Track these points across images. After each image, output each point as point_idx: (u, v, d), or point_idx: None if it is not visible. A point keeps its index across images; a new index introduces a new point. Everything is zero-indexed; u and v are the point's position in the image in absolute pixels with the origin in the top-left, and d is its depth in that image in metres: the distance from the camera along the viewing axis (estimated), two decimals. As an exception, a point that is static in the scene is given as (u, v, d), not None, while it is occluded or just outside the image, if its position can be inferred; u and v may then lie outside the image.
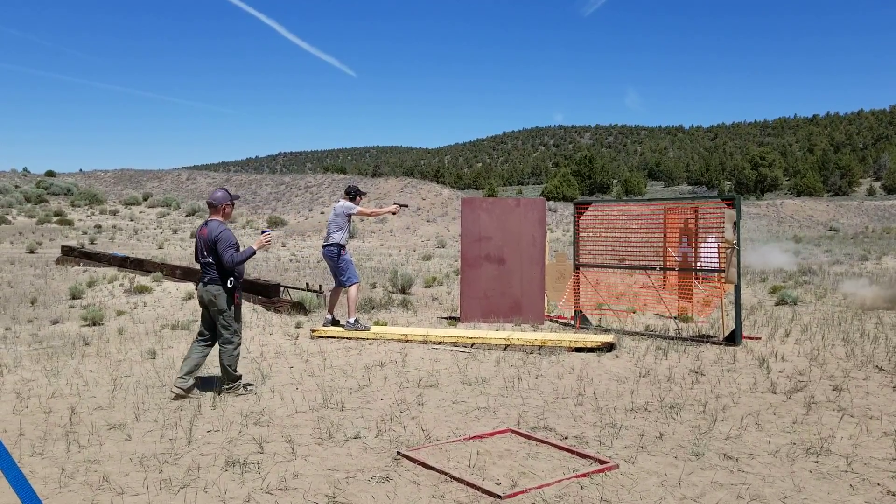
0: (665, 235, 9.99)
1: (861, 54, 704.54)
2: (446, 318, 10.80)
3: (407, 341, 8.57)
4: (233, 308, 6.14)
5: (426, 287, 16.35)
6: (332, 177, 64.73)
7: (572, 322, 10.28)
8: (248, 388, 6.31)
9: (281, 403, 5.84)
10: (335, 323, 9.00)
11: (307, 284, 13.35)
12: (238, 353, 6.22)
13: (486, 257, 10.43)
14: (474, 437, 4.93)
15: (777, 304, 12.58)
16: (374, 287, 15.81)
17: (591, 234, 10.51)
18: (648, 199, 11.26)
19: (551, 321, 10.57)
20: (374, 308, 11.85)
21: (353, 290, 8.80)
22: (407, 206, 10.33)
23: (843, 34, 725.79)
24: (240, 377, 6.25)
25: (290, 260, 24.44)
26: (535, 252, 10.41)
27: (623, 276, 10.38)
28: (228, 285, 6.06)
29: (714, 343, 8.60)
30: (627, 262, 10.22)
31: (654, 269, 9.83)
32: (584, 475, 4.16)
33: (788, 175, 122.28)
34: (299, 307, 11.25)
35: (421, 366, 7.35)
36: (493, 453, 4.60)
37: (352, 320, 8.83)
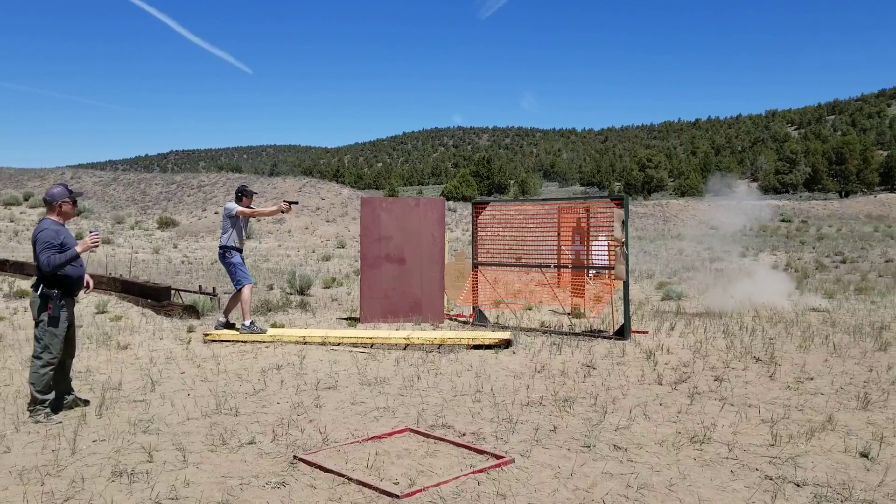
0: (559, 234, 10.27)
1: (739, 62, 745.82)
2: (346, 319, 10.72)
3: (305, 343, 8.45)
4: (46, 318, 5.31)
5: (325, 288, 16.17)
6: (227, 176, 62.94)
7: (471, 320, 10.41)
8: (75, 405, 5.62)
9: (172, 410, 5.64)
10: (228, 326, 8.79)
11: (200, 287, 12.94)
12: (46, 373, 5.32)
13: (386, 257, 10.41)
14: (373, 437, 4.91)
15: (663, 299, 13.16)
16: (272, 289, 15.49)
17: (489, 234, 10.68)
18: (543, 200, 11.55)
19: (451, 320, 10.67)
20: (270, 310, 11.62)
21: (245, 291, 8.56)
22: (297, 202, 10.03)
23: (723, 44, 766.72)
24: (45, 401, 5.34)
25: (183, 262, 23.62)
26: (434, 251, 10.48)
27: (520, 274, 10.60)
28: (45, 291, 5.31)
29: (605, 338, 8.91)
30: (524, 261, 10.44)
31: (549, 266, 10.08)
32: (480, 471, 4.22)
33: (673, 176, 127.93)
34: (191, 311, 10.88)
35: (319, 368, 7.26)
36: (392, 453, 4.61)
37: (247, 323, 8.61)
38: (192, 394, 6.17)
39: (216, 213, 46.04)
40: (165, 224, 41.80)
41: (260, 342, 8.44)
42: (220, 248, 8.67)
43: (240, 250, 8.67)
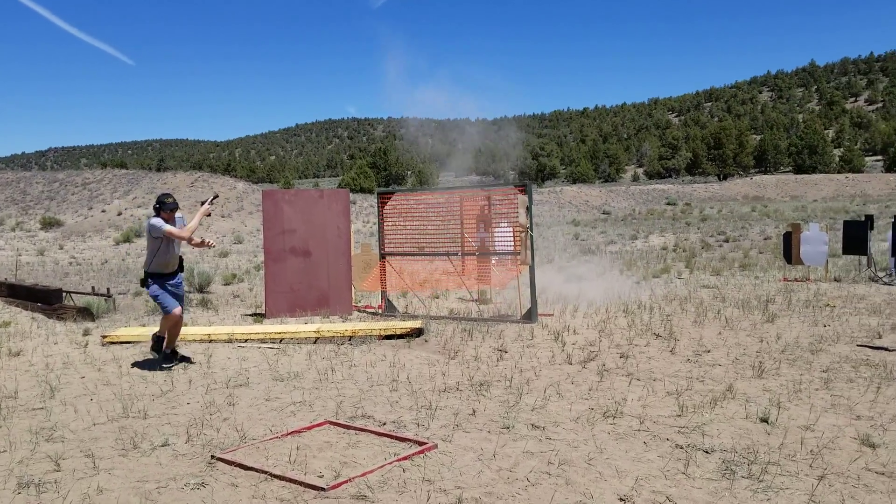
0: (462, 222, 10.38)
1: (623, 51, 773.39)
2: (251, 315, 10.48)
3: (210, 341, 8.21)
4: None
5: (226, 284, 15.74)
6: (113, 172, 60.04)
7: (380, 311, 10.39)
8: None
9: (75, 416, 5.36)
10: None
11: (93, 288, 12.34)
12: None
13: (290, 250, 10.23)
14: (292, 432, 4.84)
15: (564, 282, 13.54)
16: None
17: (394, 224, 10.66)
18: (448, 189, 11.64)
19: (360, 311, 10.61)
20: (170, 309, 11.21)
21: (169, 318, 6.95)
22: (217, 195, 8.46)
23: (605, 34, 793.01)
24: None
25: (71, 263, 22.41)
26: (340, 243, 10.39)
27: (426, 263, 10.65)
28: None
29: (513, 322, 9.09)
30: (430, 250, 10.50)
31: (455, 254, 10.18)
32: (405, 458, 4.24)
33: (565, 164, 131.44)
34: (86, 313, 10.37)
35: (228, 365, 7.07)
36: (313, 447, 4.55)
37: (167, 351, 7.12)
38: (96, 398, 5.88)
39: (103, 211, 43.90)
40: (49, 224, 39.54)
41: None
42: (144, 273, 7.07)
43: (167, 275, 6.98)
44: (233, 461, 4.24)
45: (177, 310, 6.92)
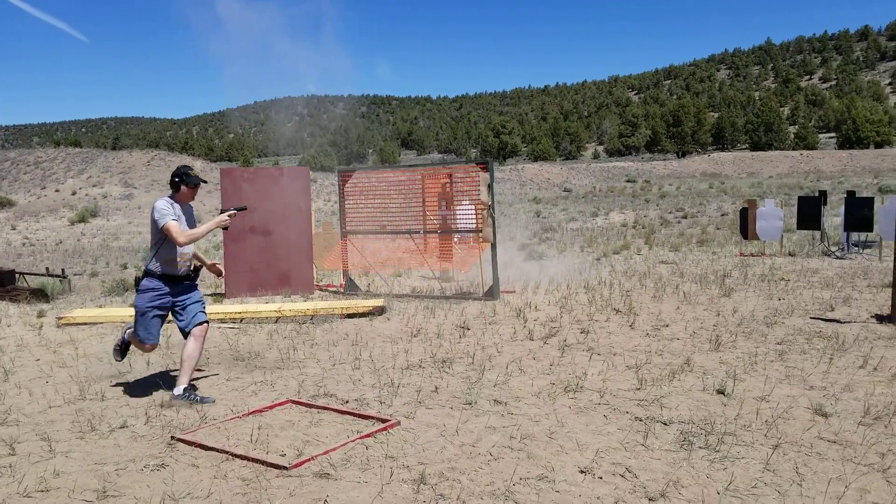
0: (424, 200, 10.36)
1: (583, 29, 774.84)
2: (210, 295, 10.35)
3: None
4: None
5: (184, 264, 15.50)
6: (67, 151, 58.51)
7: (342, 289, 10.34)
8: None
9: (30, 399, 5.25)
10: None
11: (47, 269, 12.05)
12: None
13: (250, 230, 10.10)
14: (253, 412, 4.80)
15: (526, 259, 13.62)
16: (126, 268, 14.68)
17: (355, 202, 10.59)
18: (409, 166, 11.58)
19: (321, 290, 10.55)
20: (127, 290, 11.02)
21: (198, 340, 5.25)
22: (245, 208, 5.92)
23: (565, 11, 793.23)
24: None
25: (24, 244, 21.86)
26: (301, 222, 10.29)
27: (387, 242, 10.62)
28: None
29: (475, 299, 9.13)
30: (391, 228, 10.46)
31: (417, 232, 10.16)
32: (367, 435, 4.23)
33: (526, 142, 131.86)
34: (40, 294, 10.13)
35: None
36: (275, 426, 4.53)
37: (179, 390, 5.08)
38: (52, 381, 5.77)
39: (57, 190, 42.86)
40: (1, 204, 38.44)
41: (121, 323, 7.99)
42: (143, 270, 5.36)
43: (173, 280, 5.24)
44: (193, 442, 4.20)
45: (150, 345, 5.28)
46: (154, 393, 5.35)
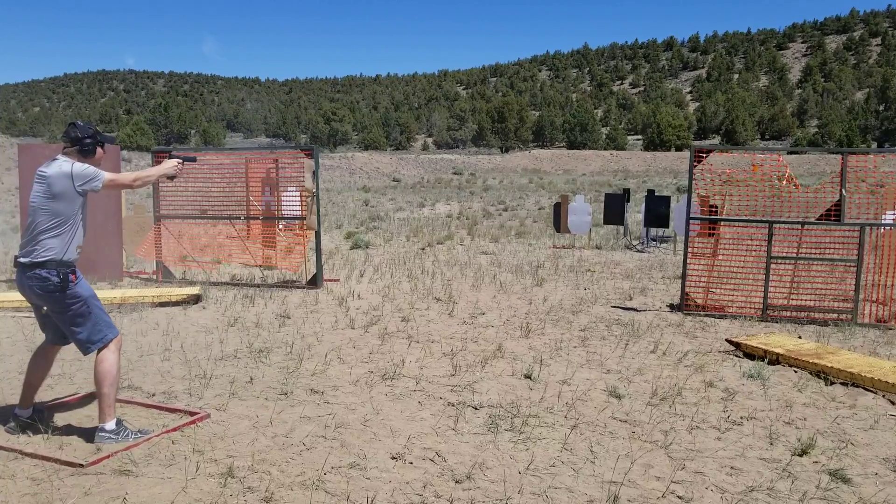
0: (248, 185, 10.05)
1: (414, 22, 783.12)
2: (4, 282, 9.43)
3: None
4: None
5: (-28, 248, 13.99)
6: None
7: (154, 276, 9.80)
8: None
9: None
10: (34, 419, 4.18)
11: None
12: None
13: (49, 211, 9.30)
14: (49, 406, 4.46)
15: (352, 248, 13.60)
16: None
17: (172, 185, 10.05)
18: (231, 149, 11.16)
19: (131, 277, 9.94)
20: None
21: (108, 359, 4.02)
22: (195, 159, 5.03)
23: (400, 4, 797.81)
24: None
25: None
26: (109, 204, 9.61)
27: (207, 227, 10.19)
28: None
29: (298, 287, 9.00)
30: (211, 213, 10.05)
31: (239, 218, 9.84)
32: (174, 430, 4.07)
33: (357, 130, 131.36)
34: None
35: (-28, 338, 6.34)
36: (73, 421, 4.23)
37: (109, 425, 3.95)
38: None
39: None
40: None
41: None
42: (49, 265, 3.92)
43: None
44: (-26, 442, 3.84)
45: (118, 337, 4.18)
46: (-72, 390, 4.81)
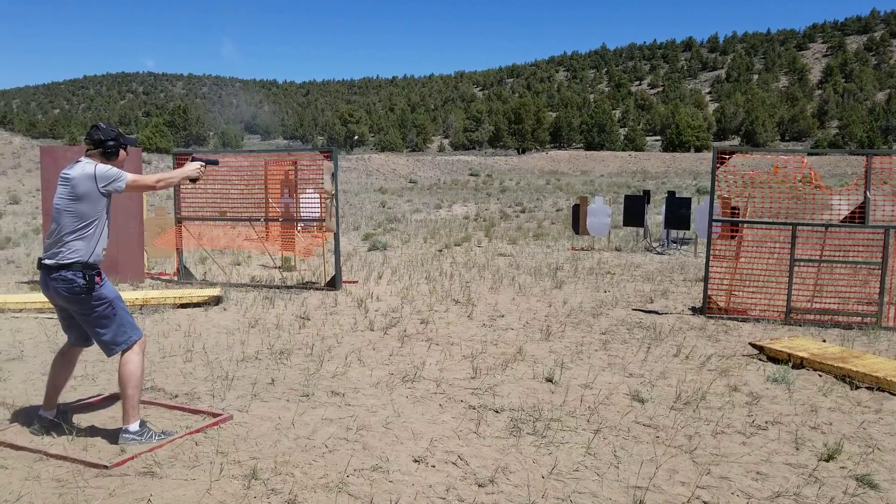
0: (266, 187, 10.09)
1: (431, 23, 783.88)
2: (27, 283, 9.53)
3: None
4: None
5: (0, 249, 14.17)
6: None
7: (175, 278, 9.87)
8: None
9: None
10: (58, 420, 4.18)
11: None
12: None
13: (72, 213, 9.39)
14: (73, 407, 4.50)
15: (370, 249, 13.63)
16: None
17: (193, 186, 10.12)
18: (250, 151, 11.22)
19: (152, 279, 10.01)
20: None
21: (132, 361, 4.04)
22: (217, 162, 5.12)
23: (416, 7, 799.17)
24: None
25: None
26: (131, 206, 9.68)
27: (227, 229, 10.25)
28: None
29: (317, 289, 9.02)
30: (231, 215, 10.11)
31: (258, 220, 9.89)
32: (197, 431, 4.08)
33: (374, 132, 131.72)
34: None
35: (-2, 338, 6.41)
36: (97, 422, 4.27)
37: (133, 427, 3.97)
38: None
39: None
40: None
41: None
42: (73, 269, 3.91)
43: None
44: (2, 441, 3.88)
45: (143, 339, 4.21)
46: (-45, 390, 4.87)
